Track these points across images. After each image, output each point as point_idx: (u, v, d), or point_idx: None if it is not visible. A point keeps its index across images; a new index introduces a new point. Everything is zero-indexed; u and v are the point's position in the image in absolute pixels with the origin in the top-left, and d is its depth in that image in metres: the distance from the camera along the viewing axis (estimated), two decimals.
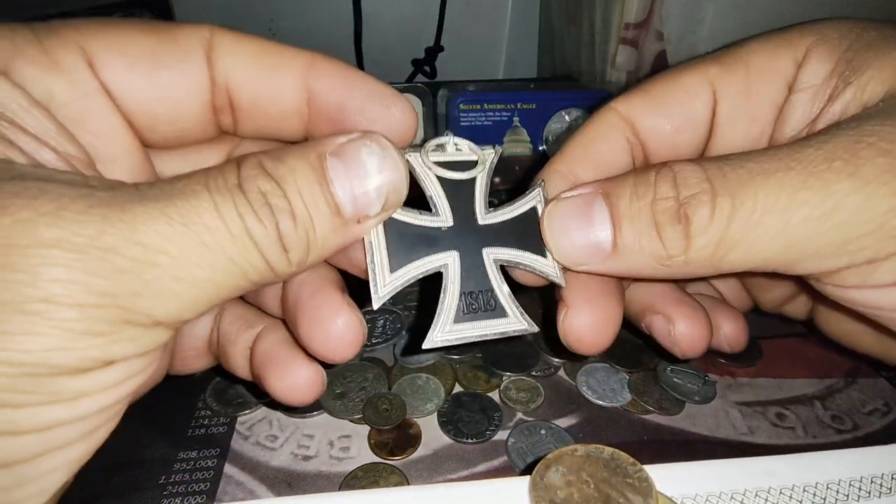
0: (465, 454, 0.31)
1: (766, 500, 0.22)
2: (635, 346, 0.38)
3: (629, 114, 0.26)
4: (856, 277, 0.20)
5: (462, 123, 0.52)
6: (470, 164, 0.23)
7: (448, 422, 0.33)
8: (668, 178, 0.21)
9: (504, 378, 0.36)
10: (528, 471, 0.22)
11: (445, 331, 0.22)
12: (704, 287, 0.32)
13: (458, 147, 0.23)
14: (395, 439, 0.32)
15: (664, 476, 0.22)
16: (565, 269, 0.23)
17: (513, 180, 0.52)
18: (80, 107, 0.20)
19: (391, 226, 0.22)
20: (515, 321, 0.23)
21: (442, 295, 0.22)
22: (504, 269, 0.23)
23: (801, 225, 0.19)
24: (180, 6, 0.58)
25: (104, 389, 0.18)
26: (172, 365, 0.26)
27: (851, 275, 0.20)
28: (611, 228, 0.21)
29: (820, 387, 0.36)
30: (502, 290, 0.23)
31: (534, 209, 0.24)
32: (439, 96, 0.51)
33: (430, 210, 0.22)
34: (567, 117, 0.57)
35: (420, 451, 0.31)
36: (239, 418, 0.33)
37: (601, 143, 0.25)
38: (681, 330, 0.25)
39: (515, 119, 0.53)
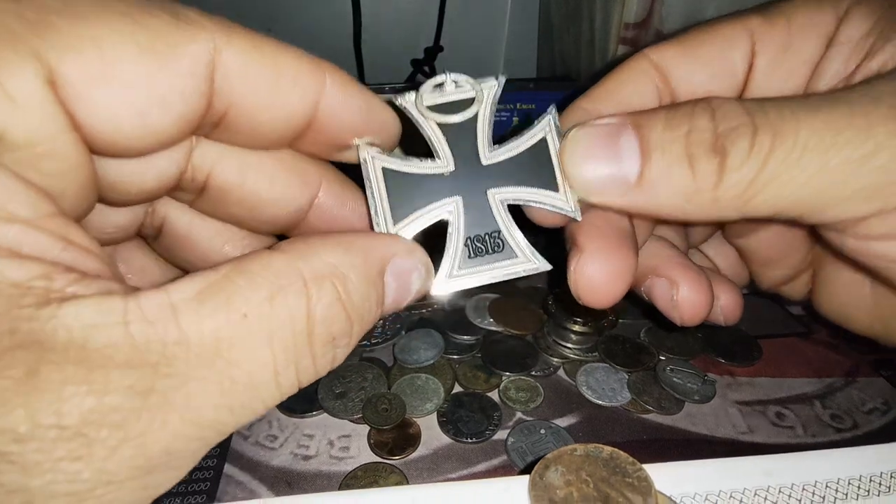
0: (464, 454, 0.31)
1: (766, 499, 0.22)
2: (634, 345, 0.38)
3: (662, 61, 0.25)
4: (883, 226, 0.19)
5: None
6: (470, 102, 0.22)
7: (448, 421, 0.33)
8: (707, 110, 0.20)
9: (503, 378, 0.36)
10: (527, 470, 0.22)
11: (453, 276, 0.22)
12: (700, 259, 0.32)
13: (457, 84, 0.22)
14: (395, 439, 0.32)
15: (663, 475, 0.22)
16: (581, 205, 0.22)
17: None
18: (38, 149, 0.16)
19: (391, 178, 0.21)
20: (525, 260, 0.22)
21: (447, 242, 0.22)
22: (515, 210, 0.22)
23: (840, 166, 0.18)
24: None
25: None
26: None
27: (879, 223, 0.19)
28: (639, 158, 0.20)
29: (819, 386, 0.36)
30: (510, 231, 0.22)
31: (543, 140, 0.22)
32: None
33: (431, 156, 0.22)
34: None
35: (420, 451, 0.31)
36: None
37: (629, 87, 0.25)
38: (684, 294, 0.25)
39: (515, 119, 0.53)
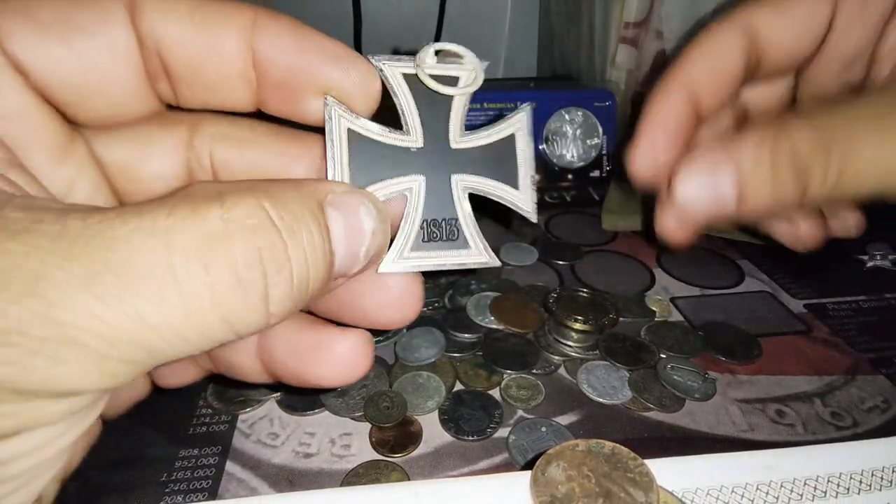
0: (465, 451, 0.31)
1: (767, 493, 0.22)
2: (635, 343, 0.38)
3: (755, 23, 0.28)
4: None
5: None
6: (453, 80, 0.22)
7: (449, 419, 0.33)
8: (786, 140, 0.23)
9: (504, 376, 0.36)
10: (529, 466, 0.22)
11: (403, 257, 0.21)
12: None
13: (457, 57, 0.22)
14: (396, 437, 0.32)
15: (665, 470, 0.22)
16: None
17: None
18: None
19: (356, 142, 0.20)
20: (476, 253, 0.22)
21: (403, 221, 0.21)
22: (473, 198, 0.22)
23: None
24: None
25: (26, 454, 0.15)
26: (155, 378, 0.24)
27: None
28: (735, 193, 0.24)
29: (819, 384, 0.36)
30: (467, 221, 0.22)
31: (512, 136, 0.22)
32: None
33: (400, 128, 0.21)
34: (567, 116, 0.57)
35: (421, 449, 0.31)
36: (240, 416, 0.33)
37: (718, 51, 0.28)
38: (805, 229, 0.31)
39: None
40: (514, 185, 0.22)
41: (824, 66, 0.30)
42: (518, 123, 0.22)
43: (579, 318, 0.38)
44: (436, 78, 0.21)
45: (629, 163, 0.28)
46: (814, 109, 0.24)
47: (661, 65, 0.59)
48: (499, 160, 0.22)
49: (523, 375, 0.36)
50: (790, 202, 0.24)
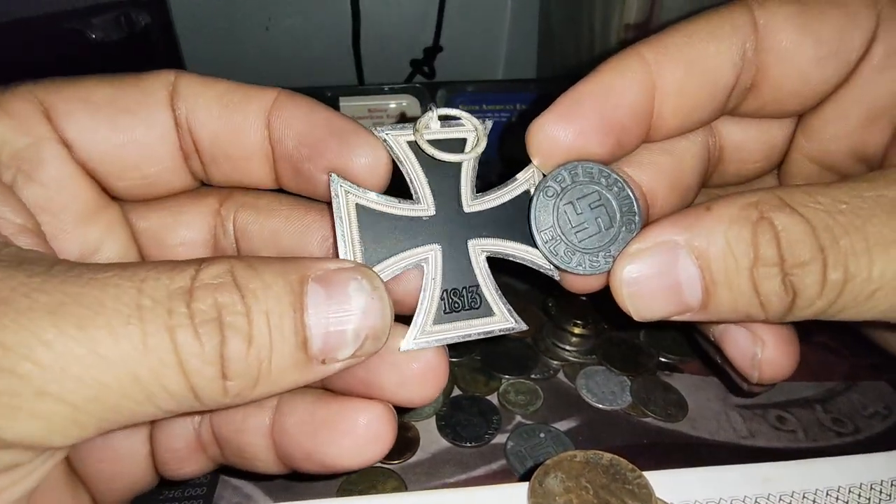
0: (463, 458, 0.31)
1: None
2: (632, 346, 0.38)
3: (766, 20, 0.20)
4: None
5: None
6: (458, 143, 0.21)
7: (446, 425, 0.32)
8: (771, 238, 0.18)
9: (503, 381, 0.35)
10: (527, 476, 0.22)
11: (425, 332, 0.20)
12: None
13: (452, 121, 0.21)
14: (393, 443, 0.31)
15: (663, 482, 0.22)
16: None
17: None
18: (30, 155, 0.19)
19: (365, 216, 0.20)
20: (502, 319, 0.21)
21: (421, 294, 0.20)
22: (492, 261, 0.21)
23: None
24: (177, 5, 0.58)
25: None
26: (161, 469, 0.23)
27: None
28: (701, 292, 0.19)
29: (820, 390, 0.36)
30: (488, 286, 0.21)
31: (526, 193, 0.22)
32: (438, 97, 0.51)
33: (410, 197, 0.21)
34: None
35: (418, 455, 0.31)
36: None
37: (710, 45, 0.20)
38: (770, 356, 0.21)
39: (512, 120, 0.53)
40: (533, 243, 0.21)
41: (841, 111, 0.22)
42: (531, 179, 0.22)
43: (578, 321, 0.38)
44: (440, 143, 0.21)
45: (535, 126, 0.21)
46: (810, 188, 0.18)
47: None
48: (514, 218, 0.21)
49: (522, 380, 0.36)
50: (769, 314, 0.19)
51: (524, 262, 0.22)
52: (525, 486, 0.21)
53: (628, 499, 0.20)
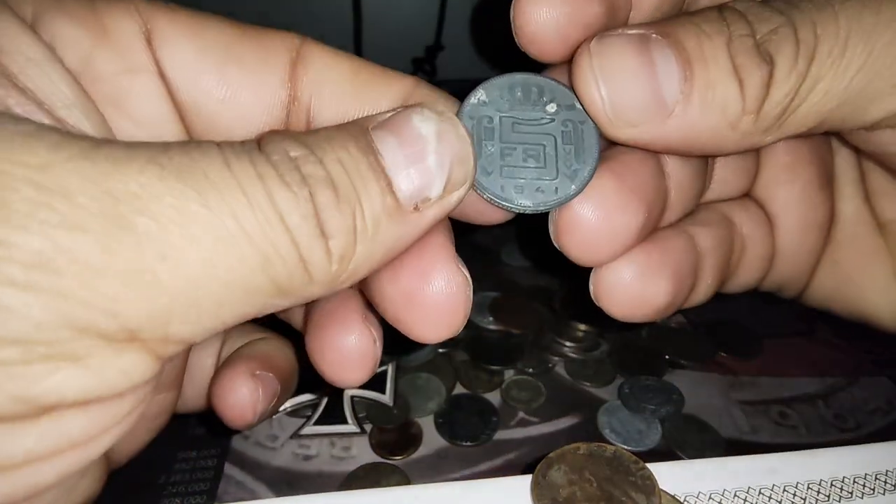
0: (466, 454, 0.31)
1: (770, 497, 0.22)
2: (648, 352, 0.38)
3: None
4: None
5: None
6: None
7: (444, 423, 0.32)
8: (738, 15, 0.17)
9: (505, 377, 0.35)
10: (529, 469, 0.22)
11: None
12: (715, 228, 0.23)
13: None
14: (396, 439, 0.31)
15: (667, 474, 0.22)
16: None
17: None
18: (123, 83, 0.17)
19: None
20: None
21: None
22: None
23: (887, 48, 0.16)
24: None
25: (30, 462, 0.12)
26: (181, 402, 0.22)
27: None
28: (679, 74, 0.17)
29: (822, 385, 0.36)
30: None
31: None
32: None
33: None
34: None
35: (421, 451, 0.31)
36: None
37: None
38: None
39: None
40: None
41: None
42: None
43: (582, 320, 0.38)
44: None
45: (518, 4, 0.18)
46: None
47: None
48: None
49: (524, 377, 0.36)
50: (748, 94, 0.17)
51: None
52: (528, 478, 0.21)
53: (632, 491, 0.20)
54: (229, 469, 0.30)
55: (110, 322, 0.12)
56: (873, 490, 0.22)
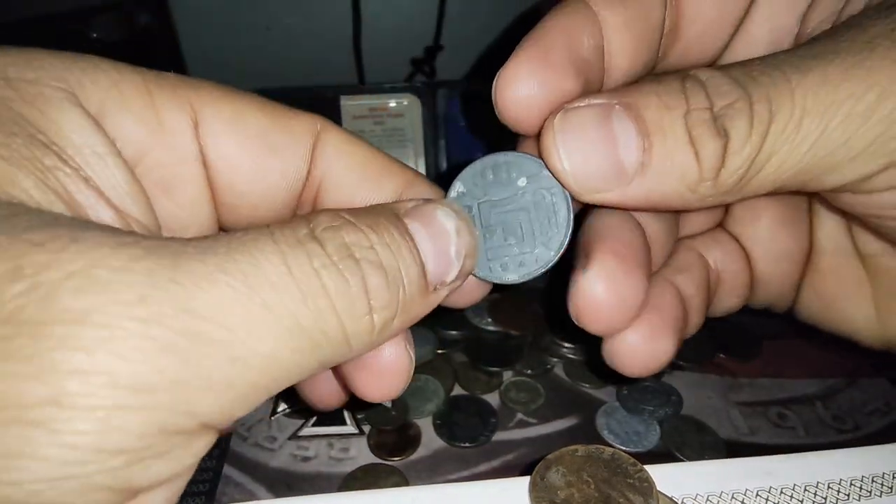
0: (464, 455, 0.31)
1: (767, 499, 0.22)
2: None
3: None
4: (892, 180, 0.18)
5: (461, 123, 0.52)
6: None
7: (443, 425, 0.32)
8: (698, 86, 0.18)
9: (504, 378, 0.36)
10: (528, 471, 0.22)
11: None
12: (691, 262, 0.25)
13: None
14: (395, 440, 0.31)
15: (664, 476, 0.22)
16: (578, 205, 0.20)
17: None
18: (174, 172, 0.19)
19: None
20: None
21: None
22: None
23: (842, 124, 0.17)
24: (178, 5, 0.58)
25: None
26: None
27: (888, 178, 0.18)
28: (637, 143, 0.18)
29: (821, 387, 0.36)
30: None
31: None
32: (439, 96, 0.51)
33: None
34: None
35: (420, 452, 0.31)
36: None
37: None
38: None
39: None
40: None
41: (744, 51, 0.23)
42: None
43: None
44: None
45: (499, 85, 0.19)
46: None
47: None
48: None
49: (523, 378, 0.36)
50: (704, 166, 0.18)
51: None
52: (526, 480, 0.21)
53: (630, 493, 0.20)
54: (228, 470, 0.30)
55: (190, 422, 0.13)
56: (870, 493, 0.22)
